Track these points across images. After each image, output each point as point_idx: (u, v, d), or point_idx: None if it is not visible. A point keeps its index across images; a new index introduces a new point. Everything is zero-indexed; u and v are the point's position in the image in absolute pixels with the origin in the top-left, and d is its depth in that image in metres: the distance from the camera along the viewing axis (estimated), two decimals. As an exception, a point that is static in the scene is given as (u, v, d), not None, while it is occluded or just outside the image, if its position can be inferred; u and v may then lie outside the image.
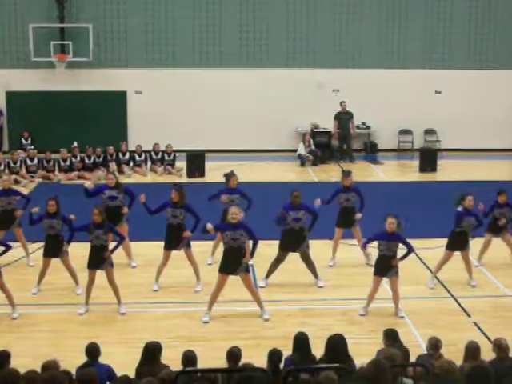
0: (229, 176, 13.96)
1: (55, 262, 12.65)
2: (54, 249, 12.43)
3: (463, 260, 13.02)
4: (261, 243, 13.68)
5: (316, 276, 13.14)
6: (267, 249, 13.33)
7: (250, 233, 11.48)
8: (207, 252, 14.05)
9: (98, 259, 11.71)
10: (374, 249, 13.63)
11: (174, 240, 12.65)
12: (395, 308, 11.93)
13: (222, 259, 11.64)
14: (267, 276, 13.09)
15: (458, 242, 12.82)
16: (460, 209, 12.78)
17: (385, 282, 12.19)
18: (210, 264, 13.87)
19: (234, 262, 11.48)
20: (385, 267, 11.72)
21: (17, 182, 20.13)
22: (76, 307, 12.01)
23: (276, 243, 12.95)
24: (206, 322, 11.59)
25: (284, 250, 12.93)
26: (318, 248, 13.80)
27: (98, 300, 12.23)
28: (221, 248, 12.01)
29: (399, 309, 11.91)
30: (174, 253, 12.86)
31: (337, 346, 7.93)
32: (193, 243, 12.90)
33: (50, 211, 12.30)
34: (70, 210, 12.80)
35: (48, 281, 12.77)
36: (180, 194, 12.59)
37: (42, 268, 12.59)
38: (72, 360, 8.63)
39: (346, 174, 14.05)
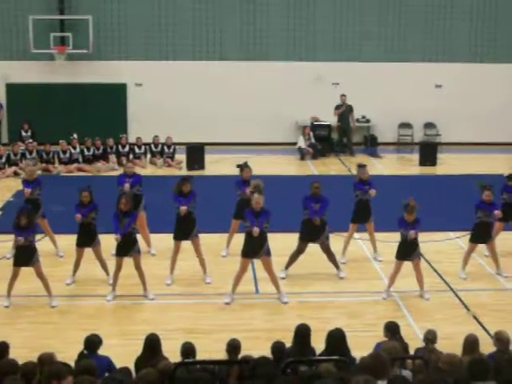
0: (242, 168, 13.87)
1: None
2: (87, 238, 12.46)
3: (489, 251, 13.24)
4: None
5: (337, 267, 13.09)
6: (271, 240, 13.32)
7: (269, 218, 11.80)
8: (217, 244, 14.05)
9: (126, 247, 11.88)
10: (381, 243, 13.68)
11: (184, 230, 12.61)
12: (420, 290, 12.10)
13: (244, 244, 11.82)
14: (287, 267, 13.02)
15: (478, 234, 12.92)
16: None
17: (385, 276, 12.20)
18: (224, 256, 13.89)
19: (255, 247, 11.69)
20: (408, 250, 11.96)
21: (16, 174, 20.12)
22: (75, 299, 12.02)
23: (281, 235, 12.96)
24: (228, 304, 11.86)
25: (304, 240, 12.88)
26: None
27: (98, 292, 12.25)
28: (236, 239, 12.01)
29: (425, 291, 12.06)
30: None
31: (336, 340, 7.95)
32: (202, 235, 12.85)
33: (84, 202, 12.41)
34: (70, 202, 12.82)
35: (48, 273, 12.70)
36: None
37: (76, 259, 12.59)
38: (70, 352, 8.62)
39: (362, 167, 14.03)
